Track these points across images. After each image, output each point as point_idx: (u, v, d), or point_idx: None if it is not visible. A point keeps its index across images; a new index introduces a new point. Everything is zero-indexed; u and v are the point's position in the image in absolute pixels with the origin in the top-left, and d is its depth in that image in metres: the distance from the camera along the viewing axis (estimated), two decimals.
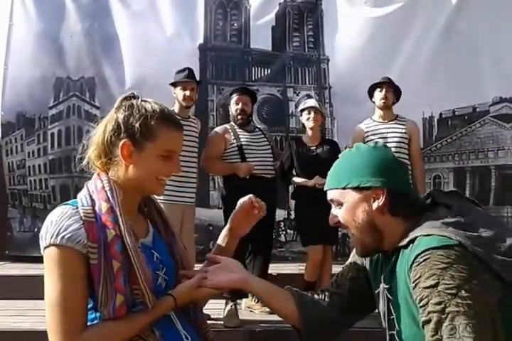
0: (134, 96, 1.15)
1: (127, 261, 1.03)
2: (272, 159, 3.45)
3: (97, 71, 4.89)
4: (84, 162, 1.16)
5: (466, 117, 4.71)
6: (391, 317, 1.18)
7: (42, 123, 4.94)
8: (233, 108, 3.44)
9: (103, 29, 4.95)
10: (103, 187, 1.09)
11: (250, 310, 3.37)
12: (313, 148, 3.47)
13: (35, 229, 4.73)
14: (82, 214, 1.05)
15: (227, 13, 5.09)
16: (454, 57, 4.50)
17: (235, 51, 5.05)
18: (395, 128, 3.45)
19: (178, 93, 3.27)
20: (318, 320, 1.26)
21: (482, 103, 4.65)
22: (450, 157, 4.76)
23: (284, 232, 4.67)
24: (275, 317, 3.02)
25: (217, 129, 3.54)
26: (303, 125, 3.67)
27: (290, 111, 4.95)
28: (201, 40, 4.97)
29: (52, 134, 4.93)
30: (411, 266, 1.08)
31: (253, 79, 5.00)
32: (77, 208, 1.07)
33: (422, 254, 1.06)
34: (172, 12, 4.96)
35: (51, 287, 1.03)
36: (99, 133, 1.13)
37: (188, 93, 3.25)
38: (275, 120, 4.88)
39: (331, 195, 1.22)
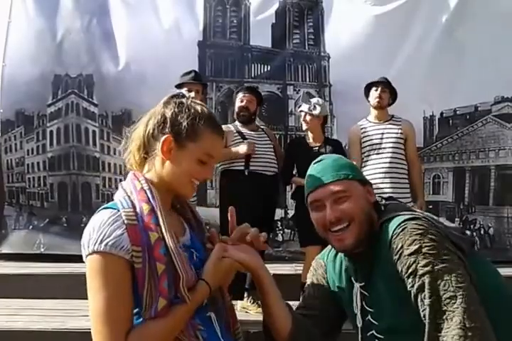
0: (183, 96, 1.16)
1: (171, 263, 1.02)
2: (274, 158, 3.43)
3: (95, 68, 4.86)
4: (126, 154, 1.17)
5: (467, 116, 4.65)
6: (366, 319, 1.21)
7: (41, 121, 4.92)
8: (237, 105, 3.43)
9: (101, 26, 4.92)
10: (142, 188, 1.08)
11: (245, 311, 3.34)
12: (316, 148, 3.42)
13: (30, 227, 4.75)
14: (124, 218, 1.03)
15: (226, 9, 5.04)
16: (456, 55, 4.45)
17: (234, 48, 5.00)
18: (391, 128, 3.42)
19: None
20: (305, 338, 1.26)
21: (484, 102, 4.59)
22: (450, 156, 4.70)
23: (281, 232, 4.63)
24: None
25: None
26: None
27: (290, 110, 4.90)
28: (200, 37, 4.93)
29: (51, 132, 4.91)
30: (390, 241, 1.14)
31: (252, 76, 4.95)
32: (118, 211, 1.05)
33: (399, 227, 1.14)
34: (171, 9, 4.93)
35: (96, 296, 1.01)
36: (141, 125, 1.15)
37: (192, 95, 3.29)
38: (274, 118, 4.84)
39: (338, 186, 1.22)
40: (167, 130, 1.10)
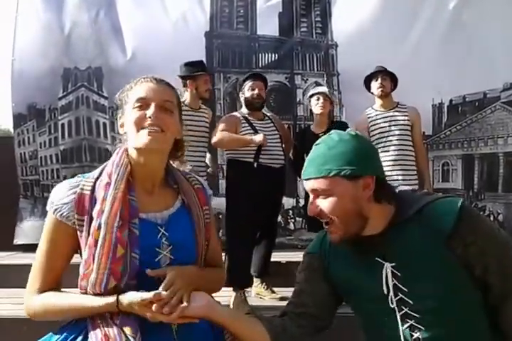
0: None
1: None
2: (281, 149, 3.43)
3: (103, 61, 4.89)
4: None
5: (476, 103, 4.64)
6: (398, 297, 1.16)
7: (52, 114, 4.98)
8: (249, 93, 3.35)
9: (109, 18, 4.94)
10: (113, 161, 1.15)
11: (260, 296, 3.41)
12: (321, 134, 3.42)
13: (45, 219, 4.80)
14: (79, 187, 1.12)
15: None
16: (465, 42, 4.42)
17: (241, 38, 5.00)
18: (397, 116, 3.43)
19: (200, 85, 3.29)
20: None
21: (493, 89, 4.57)
22: (459, 144, 4.71)
23: (292, 220, 4.69)
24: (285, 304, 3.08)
25: (229, 115, 3.52)
26: (311, 111, 3.63)
27: (298, 99, 4.91)
28: (207, 28, 4.93)
29: (63, 125, 4.98)
30: (455, 225, 1.12)
31: (260, 66, 4.95)
32: (82, 180, 1.14)
33: (461, 212, 1.13)
34: (178, 0, 4.92)
35: (39, 246, 1.15)
36: None
37: (210, 87, 3.36)
38: (283, 108, 4.85)
39: (317, 184, 1.16)
40: (119, 111, 1.20)
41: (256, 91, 3.34)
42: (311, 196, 1.19)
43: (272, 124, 3.44)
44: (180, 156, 1.26)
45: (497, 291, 1.13)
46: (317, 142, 1.23)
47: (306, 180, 1.19)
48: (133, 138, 1.12)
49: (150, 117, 1.10)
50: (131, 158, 1.14)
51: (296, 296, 1.31)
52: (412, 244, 1.15)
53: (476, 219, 1.15)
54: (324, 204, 1.16)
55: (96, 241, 1.05)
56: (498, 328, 1.15)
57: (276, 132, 3.43)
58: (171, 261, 1.12)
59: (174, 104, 1.17)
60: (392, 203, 1.20)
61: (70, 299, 1.10)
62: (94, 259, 1.05)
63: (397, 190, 1.27)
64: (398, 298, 1.16)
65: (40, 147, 4.99)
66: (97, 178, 1.12)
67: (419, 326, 1.14)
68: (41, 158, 4.99)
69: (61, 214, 1.10)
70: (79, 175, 1.17)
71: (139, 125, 1.10)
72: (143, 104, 1.12)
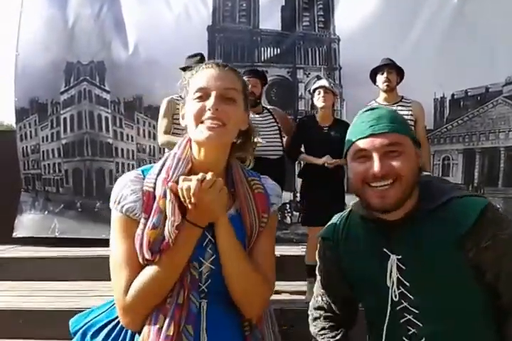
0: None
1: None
2: (279, 140, 3.42)
3: (106, 55, 4.90)
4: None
5: (478, 98, 4.59)
6: (399, 291, 1.14)
7: (54, 109, 5.00)
8: None
9: (112, 12, 4.94)
10: (174, 154, 1.10)
11: None
12: (326, 128, 3.38)
13: (46, 212, 4.85)
14: (144, 184, 1.07)
15: None
16: (467, 36, 4.37)
17: (243, 32, 4.99)
18: (401, 110, 3.39)
19: None
20: None
21: (495, 83, 4.51)
22: (460, 138, 4.67)
23: (289, 214, 4.68)
24: (282, 297, 3.04)
25: None
26: (312, 106, 3.60)
27: (299, 94, 4.89)
28: (210, 22, 4.92)
29: (65, 119, 5.00)
30: (473, 226, 1.06)
31: (262, 60, 4.93)
32: (144, 176, 1.09)
33: (483, 214, 1.06)
34: None
35: (113, 246, 1.07)
36: None
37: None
38: (284, 102, 4.82)
39: (394, 138, 1.10)
40: (182, 101, 1.16)
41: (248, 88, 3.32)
42: (377, 154, 1.10)
43: (270, 117, 3.46)
44: (247, 148, 1.20)
45: (506, 300, 1.09)
46: (370, 107, 1.19)
47: (377, 135, 1.10)
48: (192, 131, 1.07)
49: (210, 110, 1.04)
50: (193, 151, 1.10)
51: (322, 295, 1.34)
52: (422, 239, 1.11)
53: (500, 223, 1.07)
54: (395, 162, 1.09)
55: (149, 242, 1.01)
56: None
57: (273, 124, 3.44)
58: (212, 272, 1.07)
59: (238, 91, 1.09)
60: (417, 189, 1.15)
61: (152, 266, 1.02)
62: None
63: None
64: (399, 291, 1.13)
65: (42, 141, 5.02)
66: (158, 174, 1.07)
67: (417, 322, 1.12)
68: (43, 152, 5.01)
69: (134, 214, 1.05)
70: (137, 169, 1.13)
71: (199, 118, 1.05)
72: (203, 94, 1.06)
